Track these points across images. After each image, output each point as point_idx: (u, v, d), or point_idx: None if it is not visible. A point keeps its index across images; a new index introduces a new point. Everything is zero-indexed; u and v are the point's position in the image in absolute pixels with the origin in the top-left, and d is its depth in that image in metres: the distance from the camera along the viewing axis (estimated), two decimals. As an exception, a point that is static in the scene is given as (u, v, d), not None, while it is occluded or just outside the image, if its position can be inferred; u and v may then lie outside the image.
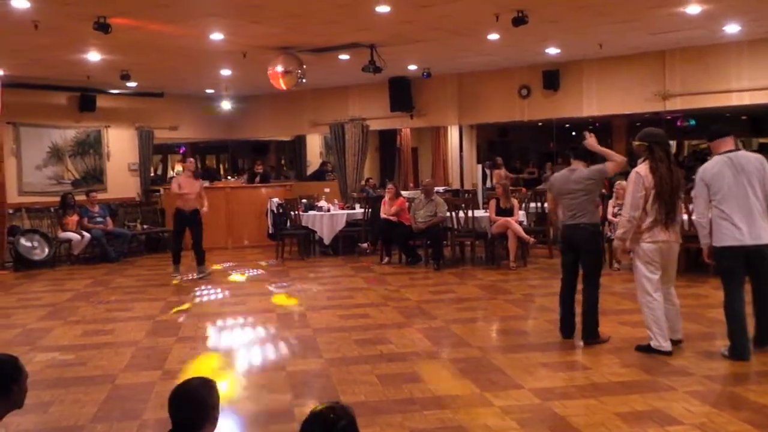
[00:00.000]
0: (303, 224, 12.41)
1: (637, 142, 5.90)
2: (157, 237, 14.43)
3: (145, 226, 14.21)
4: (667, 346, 5.67)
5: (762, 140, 23.46)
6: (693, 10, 8.84)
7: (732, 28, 10.18)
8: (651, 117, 18.87)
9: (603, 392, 4.88)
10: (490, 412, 4.58)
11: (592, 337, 6.14)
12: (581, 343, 6.16)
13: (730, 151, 5.58)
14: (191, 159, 11.28)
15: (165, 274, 11.23)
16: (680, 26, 9.87)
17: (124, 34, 8.89)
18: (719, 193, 5.49)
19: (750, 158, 5.54)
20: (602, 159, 6.27)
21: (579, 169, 6.22)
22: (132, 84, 13.02)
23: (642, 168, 5.71)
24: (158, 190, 15.57)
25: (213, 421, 2.74)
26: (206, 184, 15.02)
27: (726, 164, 5.51)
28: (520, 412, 4.55)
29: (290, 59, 10.47)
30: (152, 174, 17.06)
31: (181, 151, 20.69)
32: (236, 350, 6.56)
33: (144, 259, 13.17)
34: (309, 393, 5.21)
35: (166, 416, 4.66)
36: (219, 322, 7.69)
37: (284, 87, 10.77)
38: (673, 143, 26.44)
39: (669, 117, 19.82)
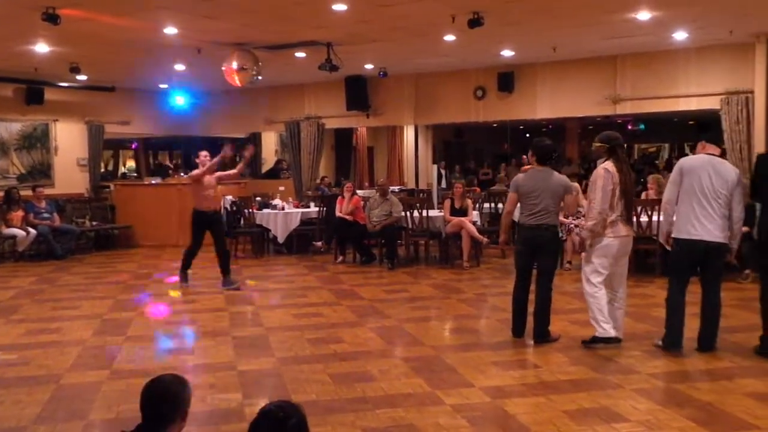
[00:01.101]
0: (257, 222, 12.30)
1: (597, 144, 6.10)
2: (107, 234, 14.14)
3: (94, 223, 13.91)
4: (612, 332, 5.88)
5: (708, 145, 24.10)
6: (643, 16, 9.04)
7: (680, 35, 10.44)
8: (602, 120, 19.26)
9: (552, 390, 4.95)
10: (442, 411, 4.60)
11: (542, 336, 6.23)
12: (532, 343, 6.24)
13: (713, 155, 5.81)
14: (204, 152, 9.28)
15: (114, 272, 11.01)
16: (631, 32, 10.08)
17: (74, 26, 8.68)
18: (690, 187, 5.69)
19: (729, 168, 5.77)
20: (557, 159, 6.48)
21: (553, 172, 6.32)
22: (82, 77, 12.73)
23: (609, 165, 5.90)
24: (108, 186, 15.25)
25: (183, 417, 2.74)
26: (158, 180, 14.89)
27: (707, 164, 5.73)
28: (471, 411, 4.59)
29: (245, 56, 10.37)
30: (103, 169, 16.72)
31: (134, 147, 20.34)
32: (186, 349, 6.47)
33: (93, 256, 12.89)
34: (260, 392, 5.17)
35: (113, 416, 4.60)
36: (169, 321, 7.57)
37: (239, 84, 10.67)
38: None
39: (620, 120, 20.28)
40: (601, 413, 4.47)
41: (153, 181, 14.89)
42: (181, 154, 20.32)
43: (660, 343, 5.86)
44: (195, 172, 9.07)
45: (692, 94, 11.57)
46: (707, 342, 5.80)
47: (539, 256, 6.30)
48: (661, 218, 6.10)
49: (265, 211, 12.46)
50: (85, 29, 9.12)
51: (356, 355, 6.00)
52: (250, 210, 12.30)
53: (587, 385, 5.06)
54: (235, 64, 10.32)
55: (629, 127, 23.28)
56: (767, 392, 4.84)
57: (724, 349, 5.85)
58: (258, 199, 12.89)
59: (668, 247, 6.05)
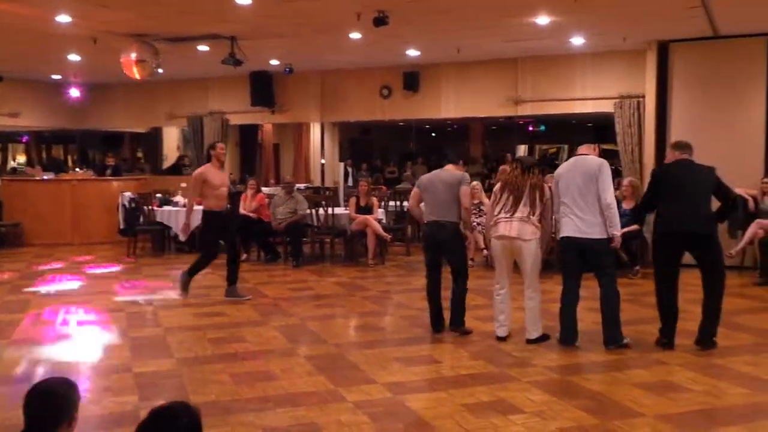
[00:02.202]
0: (157, 220, 11.94)
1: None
2: (-6, 231, 13.37)
3: (-22, 220, 13.13)
4: (500, 332, 6.19)
5: (605, 146, 25.24)
6: (543, 21, 9.32)
7: (577, 41, 10.83)
8: (505, 121, 19.76)
9: (452, 385, 5.03)
10: (343, 408, 4.60)
11: (457, 324, 6.38)
12: (438, 335, 6.33)
13: (581, 154, 6.12)
14: (221, 144, 8.48)
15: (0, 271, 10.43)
16: (532, 36, 10.38)
17: (-44, 10, 8.17)
18: (564, 189, 5.99)
19: (592, 162, 6.00)
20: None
21: (450, 170, 6.50)
22: (-34, 65, 12.00)
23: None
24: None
25: (71, 421, 2.61)
26: (51, 175, 14.20)
27: (574, 165, 6.05)
28: (373, 407, 4.60)
29: (145, 47, 10.04)
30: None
31: (24, 140, 19.35)
32: (80, 352, 6.19)
33: (-22, 255, 12.16)
34: (157, 394, 4.99)
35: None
36: (62, 322, 7.23)
37: (138, 76, 10.32)
38: (524, 147, 27.95)
39: (521, 122, 20.87)
40: (498, 406, 4.58)
41: (45, 177, 14.18)
42: (77, 149, 19.48)
43: (558, 336, 6.10)
44: (198, 180, 8.04)
45: (588, 97, 12.04)
46: (607, 335, 5.93)
47: (444, 253, 6.42)
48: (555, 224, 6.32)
49: (166, 208, 12.12)
50: (-31, 14, 8.60)
51: (258, 354, 5.92)
52: (151, 207, 11.93)
53: (486, 378, 5.17)
54: (133, 56, 9.98)
55: (530, 128, 24.01)
56: (653, 382, 5.08)
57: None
58: (159, 195, 12.53)
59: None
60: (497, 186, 6.36)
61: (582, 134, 24.95)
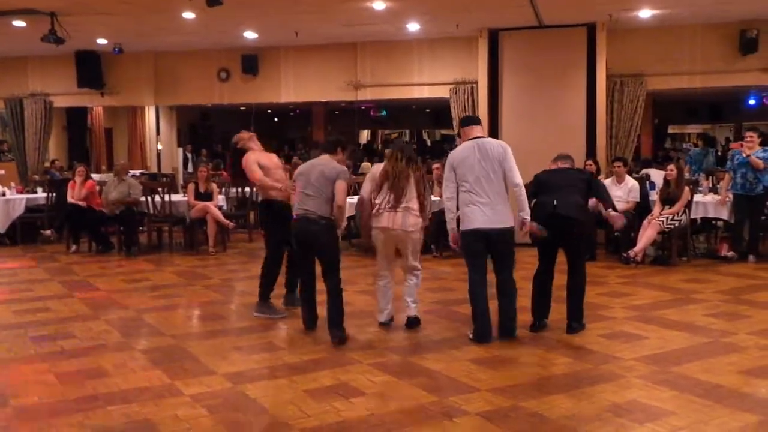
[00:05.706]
0: (-28, 211, 10.94)
1: (388, 151, 6.30)
2: None
3: None
4: (381, 318, 6.19)
5: (443, 131, 26.11)
6: (378, 6, 9.42)
7: (413, 27, 11.07)
8: (347, 106, 19.85)
9: (294, 371, 4.98)
10: (180, 402, 4.42)
11: (338, 326, 5.81)
12: (284, 324, 6.24)
13: (478, 137, 5.75)
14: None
15: None
16: (369, 20, 10.46)
17: None
18: (463, 178, 5.63)
19: (494, 144, 5.70)
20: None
21: (330, 162, 5.96)
22: None
23: (376, 166, 6.19)
24: None
25: None
26: None
27: (473, 150, 5.64)
28: (212, 399, 4.46)
29: (-50, 21, 9.09)
30: None
31: None
32: None
33: None
34: (-31, 402, 4.57)
35: None
36: None
37: (-57, 52, 9.33)
38: (366, 132, 28.27)
39: (363, 107, 21.07)
40: (340, 389, 4.59)
41: None
42: None
43: (470, 335, 5.73)
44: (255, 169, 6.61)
45: (425, 82, 12.36)
46: (505, 330, 5.77)
47: (316, 249, 5.89)
48: (446, 216, 5.78)
49: (-18, 197, 11.14)
50: None
51: (88, 351, 5.57)
52: (-37, 197, 10.90)
53: (328, 363, 5.16)
54: (-64, 30, 9.00)
55: (372, 113, 24.31)
56: (487, 357, 5.29)
57: (455, 320, 6.33)
58: (-28, 184, 11.47)
59: (454, 246, 5.92)
60: (373, 174, 6.02)
61: (422, 120, 25.74)
